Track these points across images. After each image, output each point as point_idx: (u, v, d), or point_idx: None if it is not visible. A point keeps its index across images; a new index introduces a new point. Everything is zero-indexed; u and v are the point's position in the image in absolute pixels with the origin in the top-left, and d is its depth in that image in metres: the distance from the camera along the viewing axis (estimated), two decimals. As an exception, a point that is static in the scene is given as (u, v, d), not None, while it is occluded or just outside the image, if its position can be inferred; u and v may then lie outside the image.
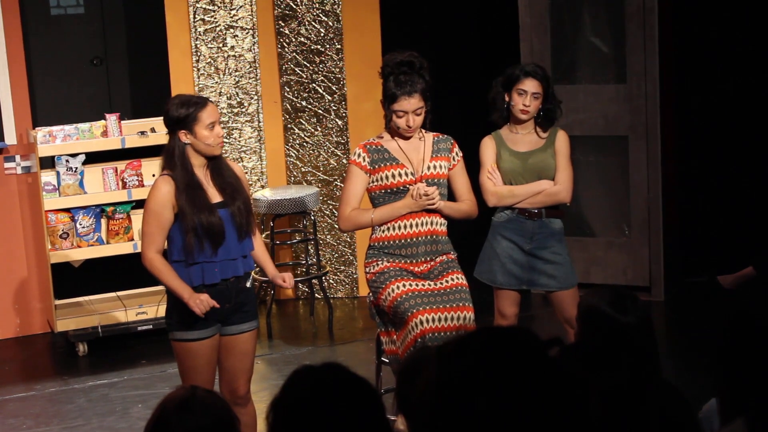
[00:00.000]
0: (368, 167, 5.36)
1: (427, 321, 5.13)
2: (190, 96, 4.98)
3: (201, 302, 4.76)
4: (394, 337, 5.31)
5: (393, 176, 5.35)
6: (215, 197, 4.89)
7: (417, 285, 5.26)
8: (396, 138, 5.42)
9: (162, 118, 4.96)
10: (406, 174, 5.35)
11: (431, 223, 5.37)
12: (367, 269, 5.45)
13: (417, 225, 5.36)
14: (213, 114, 4.89)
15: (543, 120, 5.67)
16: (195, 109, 4.85)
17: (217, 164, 4.95)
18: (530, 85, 5.60)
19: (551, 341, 2.10)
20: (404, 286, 5.24)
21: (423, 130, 5.46)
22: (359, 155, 5.38)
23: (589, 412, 2.08)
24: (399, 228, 5.37)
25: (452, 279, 5.31)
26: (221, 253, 4.86)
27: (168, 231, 4.86)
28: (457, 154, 5.48)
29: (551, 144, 5.66)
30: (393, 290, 5.24)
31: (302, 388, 2.36)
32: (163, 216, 4.83)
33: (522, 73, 5.63)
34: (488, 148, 5.71)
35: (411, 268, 5.38)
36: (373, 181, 5.38)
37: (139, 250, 5.61)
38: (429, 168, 5.38)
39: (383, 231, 5.39)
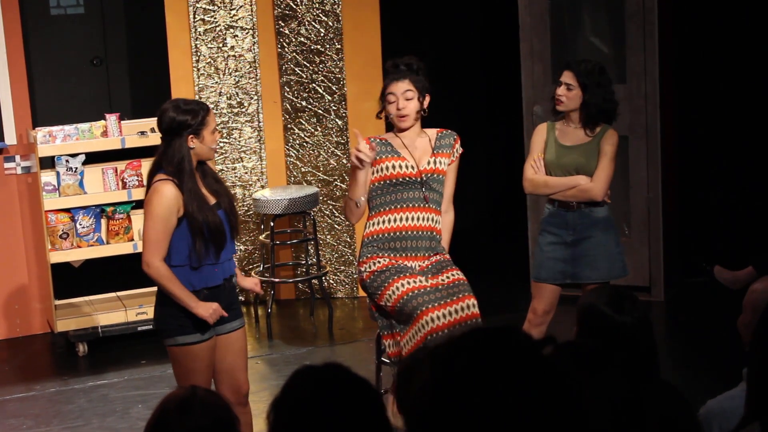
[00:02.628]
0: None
1: (437, 318, 5.13)
2: (188, 100, 4.99)
3: (214, 312, 4.82)
4: (398, 338, 5.27)
5: (393, 167, 5.37)
6: (210, 199, 4.93)
7: (419, 282, 5.25)
8: (399, 135, 5.44)
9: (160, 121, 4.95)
10: (407, 166, 5.37)
11: (431, 220, 5.38)
12: (363, 269, 5.39)
13: (419, 219, 5.37)
14: (214, 118, 4.98)
15: (584, 117, 5.63)
16: (203, 113, 4.88)
17: (205, 167, 4.99)
18: (566, 76, 5.63)
19: (544, 340, 2.10)
20: (408, 284, 5.22)
21: (424, 129, 5.48)
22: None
23: (584, 411, 2.08)
24: (400, 220, 5.37)
25: (451, 275, 5.33)
26: (222, 255, 4.90)
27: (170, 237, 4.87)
28: (457, 150, 5.50)
29: (596, 142, 5.62)
30: (397, 288, 5.22)
31: (303, 389, 2.37)
32: (170, 221, 4.82)
33: (564, 65, 5.70)
34: (538, 135, 5.75)
35: (408, 262, 5.37)
36: (374, 172, 5.40)
37: (139, 250, 5.60)
38: (429, 163, 5.40)
39: (381, 223, 5.38)
